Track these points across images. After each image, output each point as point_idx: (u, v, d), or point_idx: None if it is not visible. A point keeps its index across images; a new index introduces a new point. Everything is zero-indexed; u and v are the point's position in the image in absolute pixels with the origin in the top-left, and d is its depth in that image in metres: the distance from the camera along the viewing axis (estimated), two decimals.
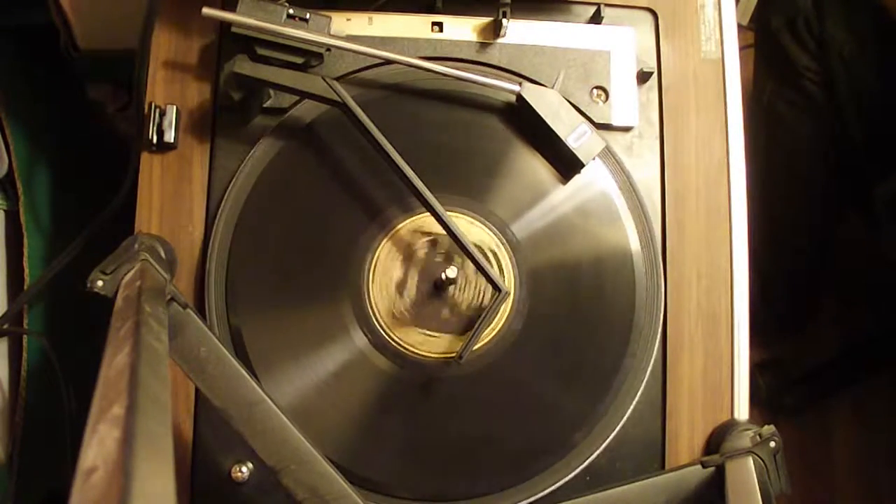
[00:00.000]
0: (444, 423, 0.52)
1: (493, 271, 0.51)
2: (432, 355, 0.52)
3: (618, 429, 0.53)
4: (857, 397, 1.20)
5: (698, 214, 0.57)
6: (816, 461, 1.18)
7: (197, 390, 0.52)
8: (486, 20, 0.57)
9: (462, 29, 0.57)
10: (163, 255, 0.49)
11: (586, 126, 0.54)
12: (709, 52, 0.59)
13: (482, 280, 0.52)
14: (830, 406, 1.20)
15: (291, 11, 0.51)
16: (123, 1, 0.58)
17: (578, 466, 0.52)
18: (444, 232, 0.52)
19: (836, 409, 1.20)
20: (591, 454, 0.52)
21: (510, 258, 0.54)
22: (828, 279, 1.14)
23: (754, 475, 0.48)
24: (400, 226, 0.54)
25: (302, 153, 0.55)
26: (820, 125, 0.93)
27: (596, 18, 0.58)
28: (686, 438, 0.54)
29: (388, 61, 0.53)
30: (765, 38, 0.98)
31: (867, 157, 0.92)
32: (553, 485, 0.52)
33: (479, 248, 0.53)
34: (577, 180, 0.55)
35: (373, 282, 0.53)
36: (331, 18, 0.52)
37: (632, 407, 0.53)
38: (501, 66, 0.57)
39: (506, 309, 0.53)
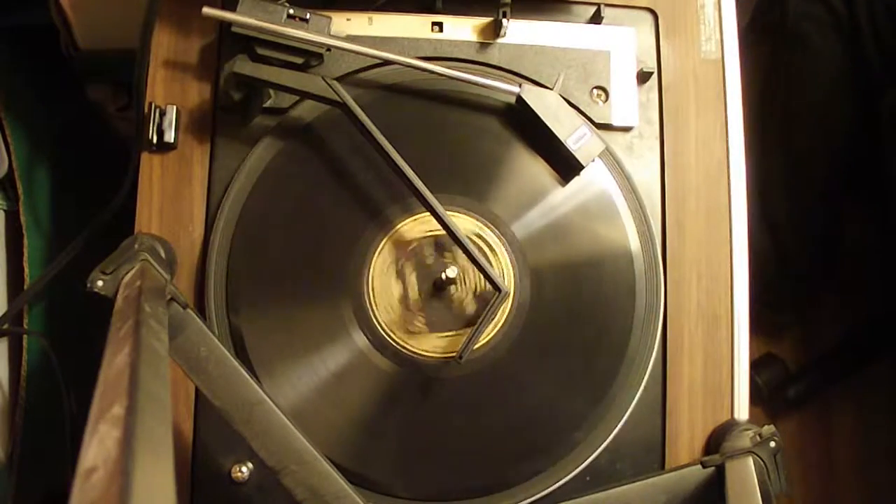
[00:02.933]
0: (443, 423, 0.52)
1: (493, 271, 0.51)
2: (432, 355, 0.52)
3: (618, 429, 0.53)
4: (858, 395, 1.19)
5: (698, 214, 0.57)
6: (816, 461, 1.18)
7: (197, 390, 0.52)
8: (486, 20, 0.57)
9: (462, 29, 0.57)
10: (163, 255, 0.49)
11: (586, 128, 0.54)
12: (709, 52, 0.59)
13: (482, 280, 0.52)
14: (831, 403, 1.20)
15: (291, 11, 0.51)
16: (123, 1, 0.58)
17: (578, 466, 0.52)
18: (444, 232, 0.52)
19: (837, 406, 1.20)
20: (591, 454, 0.52)
21: (510, 258, 0.54)
22: (835, 266, 1.11)
23: (754, 475, 0.48)
24: (400, 226, 0.54)
25: (302, 153, 0.55)
26: (846, 47, 0.87)
27: (596, 18, 0.58)
28: (686, 438, 0.54)
29: (388, 61, 0.53)
30: None
31: (883, 80, 0.86)
32: (553, 485, 0.52)
33: (479, 247, 0.53)
34: (577, 181, 0.55)
35: (373, 282, 0.53)
36: (331, 18, 0.52)
37: (632, 407, 0.53)
38: (501, 66, 0.57)
39: (505, 309, 0.53)
